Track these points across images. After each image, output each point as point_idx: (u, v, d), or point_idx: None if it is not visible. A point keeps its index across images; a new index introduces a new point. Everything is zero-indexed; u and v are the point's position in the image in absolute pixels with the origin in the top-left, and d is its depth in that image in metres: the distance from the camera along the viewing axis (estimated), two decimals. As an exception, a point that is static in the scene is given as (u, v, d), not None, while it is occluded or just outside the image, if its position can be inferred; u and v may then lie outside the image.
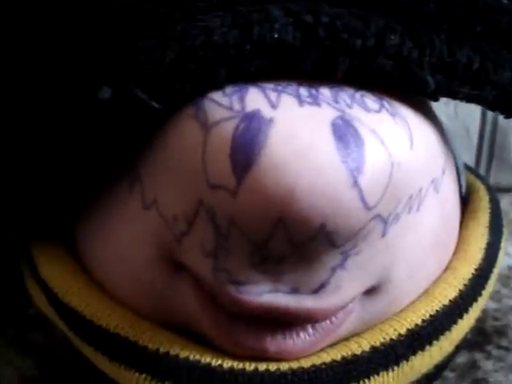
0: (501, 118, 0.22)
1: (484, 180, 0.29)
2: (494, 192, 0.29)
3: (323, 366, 0.20)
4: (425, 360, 0.21)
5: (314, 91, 0.19)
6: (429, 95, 0.20)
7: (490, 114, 0.42)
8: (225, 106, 0.18)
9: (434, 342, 0.21)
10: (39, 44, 0.21)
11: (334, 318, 0.20)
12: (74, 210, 0.23)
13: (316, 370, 0.19)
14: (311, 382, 0.19)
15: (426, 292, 0.22)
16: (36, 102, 0.21)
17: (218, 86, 0.18)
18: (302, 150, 0.17)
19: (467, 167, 0.30)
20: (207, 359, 0.19)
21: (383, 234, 0.19)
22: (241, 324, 0.19)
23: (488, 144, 0.44)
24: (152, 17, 0.19)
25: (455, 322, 0.22)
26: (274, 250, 0.18)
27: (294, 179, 0.17)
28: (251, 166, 0.17)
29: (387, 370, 0.20)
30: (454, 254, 0.24)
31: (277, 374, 0.19)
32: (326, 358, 0.20)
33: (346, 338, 0.21)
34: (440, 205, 0.22)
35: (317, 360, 0.20)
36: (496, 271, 0.25)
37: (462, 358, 0.27)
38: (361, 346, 0.20)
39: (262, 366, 0.19)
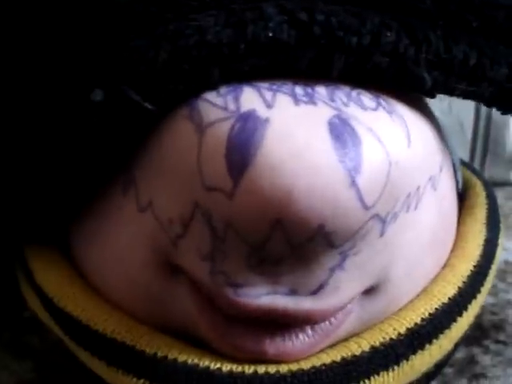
0: (495, 112, 0.22)
1: (480, 176, 0.29)
2: (491, 187, 0.28)
3: (323, 368, 0.19)
4: (425, 359, 0.21)
5: (309, 90, 0.18)
6: (425, 92, 0.20)
7: (483, 108, 0.42)
8: (219, 106, 0.18)
9: (434, 340, 0.21)
10: (31, 46, 0.20)
11: (333, 319, 0.20)
12: (68, 214, 0.23)
13: (316, 371, 0.19)
14: None
15: (424, 290, 0.22)
16: (28, 106, 0.20)
17: (212, 86, 0.18)
18: (298, 150, 0.17)
19: (463, 163, 0.30)
20: (206, 363, 0.19)
21: (381, 234, 0.19)
22: (239, 327, 0.19)
23: (482, 139, 0.44)
24: (144, 16, 0.19)
25: (455, 320, 0.22)
26: (271, 251, 0.18)
27: (290, 180, 0.16)
28: (247, 166, 0.17)
29: (387, 370, 0.20)
30: (452, 251, 0.24)
31: (276, 377, 0.19)
32: (326, 359, 0.20)
33: (346, 339, 0.21)
34: (438, 202, 0.22)
35: (316, 361, 0.20)
36: (494, 267, 0.25)
37: (460, 353, 0.27)
38: (360, 346, 0.20)
39: (261, 369, 0.19)
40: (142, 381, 0.19)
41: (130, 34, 0.18)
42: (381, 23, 0.19)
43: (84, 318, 0.21)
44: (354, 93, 0.19)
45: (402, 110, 0.19)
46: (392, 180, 0.18)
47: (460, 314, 0.22)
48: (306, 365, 0.19)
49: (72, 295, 0.22)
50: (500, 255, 0.26)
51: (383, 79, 0.19)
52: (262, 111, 0.17)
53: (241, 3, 0.18)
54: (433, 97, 0.20)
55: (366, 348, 0.20)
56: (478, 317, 0.25)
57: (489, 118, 0.43)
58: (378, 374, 0.20)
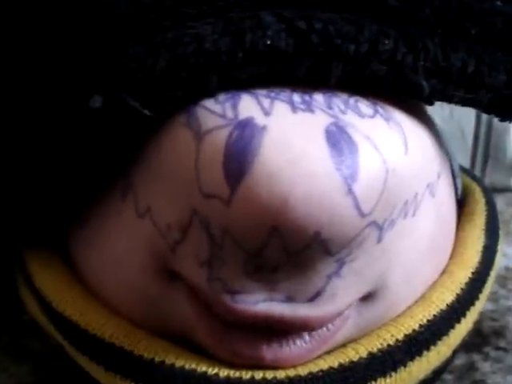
0: (496, 119, 0.22)
1: (480, 182, 0.29)
2: (491, 194, 0.28)
3: (320, 374, 0.19)
4: (422, 365, 0.21)
5: (307, 97, 0.18)
6: (424, 99, 0.20)
7: (484, 115, 0.42)
8: (217, 113, 0.18)
9: (432, 346, 0.21)
10: (31, 52, 0.20)
11: (330, 325, 0.20)
12: (67, 218, 0.23)
13: (313, 377, 0.19)
14: None
15: (423, 296, 0.22)
16: (27, 111, 0.20)
17: (211, 93, 0.18)
18: (295, 158, 0.17)
19: (463, 169, 0.30)
20: (203, 368, 0.19)
21: (379, 241, 0.19)
22: (237, 332, 0.19)
23: (483, 145, 0.44)
24: (143, 24, 0.19)
25: (453, 327, 0.22)
26: (268, 258, 0.18)
27: (287, 187, 0.17)
28: (244, 174, 0.17)
29: (385, 376, 0.20)
30: (451, 257, 0.24)
31: (273, 383, 0.19)
32: (323, 365, 0.20)
33: (343, 345, 0.21)
34: (436, 209, 0.22)
35: (314, 367, 0.20)
36: (493, 274, 0.25)
37: (459, 360, 0.27)
38: (358, 352, 0.20)
39: (259, 375, 0.19)
40: None
41: (129, 42, 0.19)
42: (379, 31, 0.19)
43: (82, 322, 0.21)
44: (352, 100, 0.19)
45: (400, 117, 0.19)
46: (389, 187, 0.18)
47: (458, 321, 0.22)
48: (303, 371, 0.19)
49: (71, 299, 0.22)
50: (499, 262, 0.26)
51: (381, 87, 0.19)
52: (259, 119, 0.17)
53: (239, 11, 0.19)
54: (431, 104, 0.20)
55: (364, 354, 0.20)
56: (477, 323, 0.25)
57: (490, 124, 0.43)
58: (376, 381, 0.20)
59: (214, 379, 0.19)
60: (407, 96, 0.19)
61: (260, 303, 0.18)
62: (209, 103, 0.18)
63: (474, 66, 0.20)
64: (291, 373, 0.19)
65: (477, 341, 0.28)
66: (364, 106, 0.19)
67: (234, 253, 0.18)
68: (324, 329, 0.20)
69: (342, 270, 0.18)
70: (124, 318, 0.21)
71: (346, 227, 0.17)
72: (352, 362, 0.20)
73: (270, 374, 0.19)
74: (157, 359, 0.20)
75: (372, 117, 0.19)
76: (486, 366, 0.27)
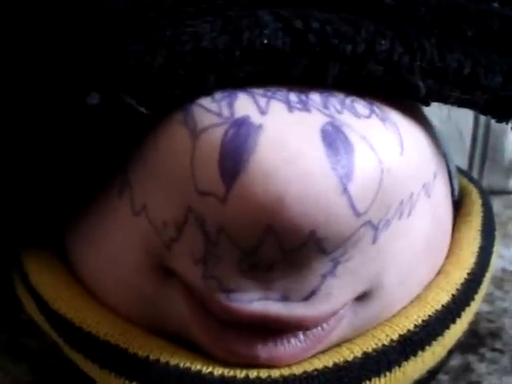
0: (493, 120, 0.22)
1: (477, 183, 0.29)
2: (487, 195, 0.28)
3: (315, 373, 0.19)
4: (417, 365, 0.21)
5: (303, 97, 0.18)
6: (420, 100, 0.20)
7: (482, 116, 0.42)
8: (214, 111, 0.18)
9: (427, 347, 0.21)
10: (29, 49, 0.20)
11: (325, 325, 0.20)
12: (64, 216, 0.23)
13: (307, 376, 0.19)
14: None
15: (418, 297, 0.22)
16: (25, 108, 0.20)
17: (207, 91, 0.18)
18: (291, 157, 0.17)
19: (460, 171, 0.30)
20: (198, 366, 0.19)
21: (374, 241, 0.19)
22: (232, 331, 0.19)
23: (481, 146, 0.44)
24: (141, 22, 0.19)
25: (448, 327, 0.22)
26: (263, 256, 0.18)
27: (283, 186, 0.17)
28: (240, 172, 0.17)
29: (379, 376, 0.20)
30: (447, 257, 0.24)
31: (268, 382, 0.19)
32: (318, 364, 0.20)
33: (338, 344, 0.21)
34: (432, 209, 0.22)
35: (308, 367, 0.20)
36: (489, 275, 0.25)
37: (455, 361, 0.27)
38: (353, 352, 0.20)
39: (253, 373, 0.19)
40: (134, 383, 0.19)
41: (128, 39, 0.19)
42: (375, 31, 0.19)
43: (77, 320, 0.21)
44: (348, 100, 0.19)
45: (396, 117, 0.19)
46: (384, 187, 0.18)
47: (453, 321, 0.22)
48: (297, 370, 0.19)
49: (66, 298, 0.22)
50: (495, 263, 0.26)
51: (378, 87, 0.19)
52: (255, 117, 0.17)
53: (237, 10, 0.19)
54: (427, 105, 0.20)
55: (358, 354, 0.20)
56: (473, 324, 0.25)
57: (488, 126, 0.43)
58: (370, 380, 0.20)
59: (208, 377, 0.19)
60: (404, 96, 0.19)
61: (255, 302, 0.18)
62: (205, 101, 0.18)
63: (470, 67, 0.20)
64: (286, 372, 0.19)
65: (473, 342, 0.28)
66: (360, 106, 0.19)
67: (229, 251, 0.18)
68: (319, 328, 0.20)
69: (337, 269, 0.18)
70: (120, 315, 0.21)
71: (341, 226, 0.17)
72: (347, 361, 0.20)
73: (264, 373, 0.19)
74: (152, 357, 0.20)
75: (368, 117, 0.19)
76: (481, 367, 0.27)
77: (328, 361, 0.20)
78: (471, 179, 0.30)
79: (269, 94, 0.18)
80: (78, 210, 0.22)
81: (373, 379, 0.20)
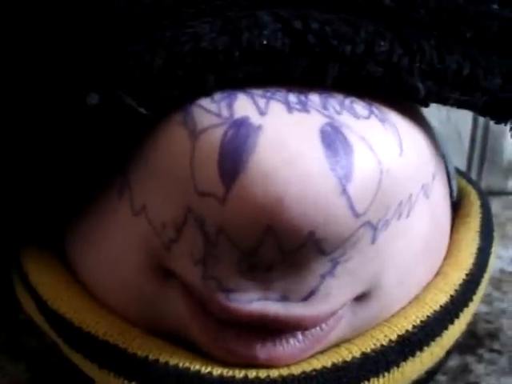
0: (492, 122, 0.22)
1: (475, 185, 0.29)
2: (486, 196, 0.29)
3: (313, 373, 0.19)
4: (415, 366, 0.21)
5: (303, 98, 0.18)
6: (419, 101, 0.20)
7: (481, 118, 0.42)
8: (213, 112, 0.18)
9: (425, 347, 0.21)
10: (28, 49, 0.20)
11: (323, 325, 0.20)
12: (64, 216, 0.23)
13: (306, 376, 0.19)
14: None
15: (416, 298, 0.22)
16: (24, 108, 0.20)
17: (207, 92, 0.18)
18: (290, 158, 0.17)
19: (459, 172, 0.30)
20: (197, 366, 0.19)
21: (373, 241, 0.19)
22: (231, 331, 0.19)
23: (479, 147, 0.44)
24: (141, 22, 0.19)
25: (446, 328, 0.22)
26: (263, 257, 0.18)
27: (282, 187, 0.17)
28: (239, 173, 0.17)
29: (378, 377, 0.20)
30: (445, 258, 0.24)
31: (267, 382, 0.19)
32: (317, 364, 0.20)
33: (337, 345, 0.21)
34: (430, 210, 0.22)
35: (307, 367, 0.20)
36: (487, 276, 0.25)
37: (453, 362, 0.27)
38: (351, 352, 0.20)
39: (252, 374, 0.19)
40: (133, 383, 0.19)
41: (128, 40, 0.19)
42: (375, 32, 0.19)
43: (76, 320, 0.21)
44: (347, 101, 0.19)
45: (395, 118, 0.19)
46: (383, 188, 0.18)
47: (452, 322, 0.22)
48: (296, 370, 0.19)
49: (66, 297, 0.22)
50: (493, 264, 0.26)
51: (377, 88, 0.19)
52: (255, 118, 0.17)
53: (236, 11, 0.19)
54: (426, 106, 0.20)
55: (357, 354, 0.20)
56: (471, 325, 0.25)
57: (486, 127, 0.43)
58: (369, 381, 0.20)
59: (207, 378, 0.19)
60: (403, 97, 0.19)
61: (254, 302, 0.18)
62: (205, 102, 0.18)
63: (470, 68, 0.20)
64: (285, 372, 0.19)
65: (471, 343, 0.28)
66: (359, 106, 0.19)
67: (229, 251, 0.18)
68: (318, 328, 0.20)
69: (336, 269, 0.19)
70: (119, 315, 0.21)
71: (340, 227, 0.17)
72: (345, 361, 0.20)
73: (263, 373, 0.19)
74: (151, 357, 0.20)
75: (367, 118, 0.19)
76: (480, 368, 0.27)
77: (327, 361, 0.20)
78: (470, 180, 0.30)
79: (268, 94, 0.18)
80: (77, 210, 0.22)
81: (371, 379, 0.20)
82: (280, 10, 0.19)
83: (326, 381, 0.19)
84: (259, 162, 0.17)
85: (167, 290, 0.20)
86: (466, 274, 0.24)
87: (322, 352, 0.20)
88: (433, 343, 0.21)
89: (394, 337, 0.21)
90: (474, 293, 0.24)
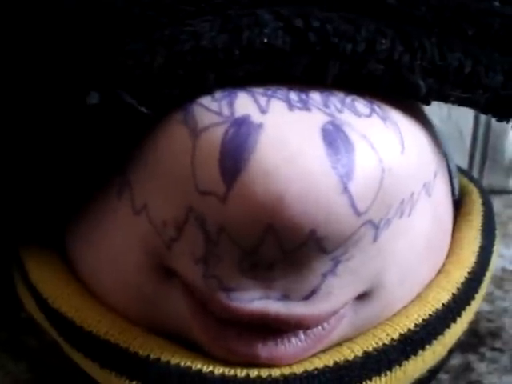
0: (494, 120, 0.22)
1: (477, 183, 0.29)
2: (487, 195, 0.28)
3: (315, 372, 0.19)
4: (418, 364, 0.21)
5: (304, 96, 0.18)
6: (420, 99, 0.20)
7: (483, 116, 0.43)
8: (214, 111, 0.18)
9: (427, 346, 0.21)
10: (28, 48, 0.20)
11: (325, 324, 0.20)
12: (64, 215, 0.23)
13: (308, 375, 0.19)
14: None
15: (418, 296, 0.22)
16: (24, 107, 0.20)
17: (207, 90, 0.18)
18: (291, 156, 0.17)
19: (460, 170, 0.30)
20: (198, 365, 0.19)
21: (374, 240, 0.19)
22: (232, 330, 0.19)
23: (481, 146, 0.44)
24: (140, 21, 0.19)
25: (448, 326, 0.22)
26: (264, 256, 0.18)
27: (283, 185, 0.17)
28: (240, 171, 0.17)
29: (380, 375, 0.20)
30: (447, 257, 0.24)
31: (268, 381, 0.19)
32: (319, 363, 0.20)
33: (339, 344, 0.21)
34: (432, 208, 0.22)
35: (309, 366, 0.20)
36: (489, 274, 0.25)
37: (455, 360, 0.27)
38: (353, 351, 0.20)
39: (254, 373, 0.19)
40: (134, 382, 0.19)
41: (127, 39, 0.19)
42: (376, 30, 0.19)
43: (78, 319, 0.21)
44: (349, 99, 0.19)
45: (397, 116, 0.19)
46: (385, 186, 0.18)
47: (454, 321, 0.22)
48: (298, 369, 0.19)
49: (67, 296, 0.22)
50: (495, 262, 0.26)
51: (378, 86, 0.19)
52: (256, 116, 0.17)
53: (236, 9, 0.19)
54: (428, 104, 0.20)
55: (359, 353, 0.20)
56: (473, 323, 0.25)
57: (488, 125, 0.43)
58: (371, 379, 0.20)
59: (208, 377, 0.19)
60: (404, 95, 0.19)
61: (255, 301, 0.18)
62: (205, 101, 0.18)
63: (471, 66, 0.20)
64: (286, 371, 0.19)
65: (473, 341, 0.28)
66: (361, 105, 0.19)
67: (230, 250, 0.18)
68: (319, 327, 0.20)
69: (338, 268, 0.18)
70: (120, 315, 0.21)
71: (341, 225, 0.17)
72: (347, 360, 0.20)
73: (264, 372, 0.19)
74: (152, 356, 0.20)
75: (368, 116, 0.19)
76: (481, 367, 0.27)
77: (329, 360, 0.20)
78: (471, 178, 0.30)
79: (269, 92, 0.18)
80: (77, 210, 0.22)
81: (373, 378, 0.20)
82: (280, 9, 0.19)
83: (328, 380, 0.19)
84: (260, 161, 0.17)
85: (168, 290, 0.20)
86: (468, 273, 0.23)
87: (323, 351, 0.20)
88: (435, 342, 0.21)
89: (396, 336, 0.21)
90: (476, 291, 0.24)
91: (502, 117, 0.22)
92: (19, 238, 0.25)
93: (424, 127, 0.21)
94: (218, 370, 0.19)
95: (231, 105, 0.18)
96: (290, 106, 0.18)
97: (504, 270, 0.34)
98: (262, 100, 0.18)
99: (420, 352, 0.21)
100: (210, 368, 0.19)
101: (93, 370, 0.21)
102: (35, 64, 0.20)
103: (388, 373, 0.20)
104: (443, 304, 0.22)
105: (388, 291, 0.21)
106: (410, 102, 0.20)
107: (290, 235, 0.17)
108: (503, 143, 0.44)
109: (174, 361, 0.19)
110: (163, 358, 0.19)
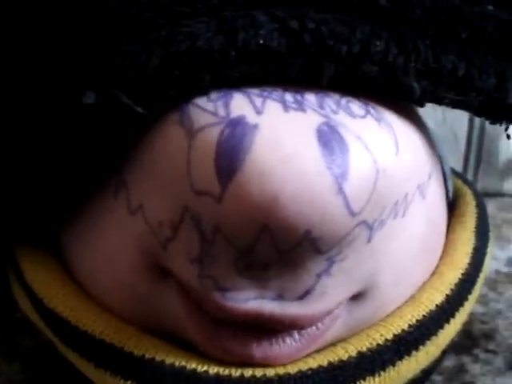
0: (488, 123, 0.22)
1: (471, 185, 0.29)
2: (481, 197, 0.29)
3: (309, 372, 0.20)
4: (411, 365, 0.21)
5: (299, 97, 0.19)
6: (414, 101, 0.20)
7: (477, 119, 0.43)
8: (210, 111, 0.18)
9: (421, 347, 0.21)
10: (24, 48, 0.20)
11: (319, 324, 0.20)
12: (60, 215, 0.23)
13: (302, 375, 0.19)
14: None
15: (412, 297, 0.22)
16: (20, 107, 0.20)
17: (203, 91, 0.18)
18: (286, 156, 0.17)
19: (455, 172, 0.30)
20: (193, 365, 0.19)
21: (368, 240, 0.19)
22: (227, 330, 0.19)
23: (475, 149, 0.44)
24: (136, 22, 0.19)
25: (442, 327, 0.22)
26: (259, 256, 0.18)
27: (278, 185, 0.17)
28: (236, 172, 0.17)
29: (373, 376, 0.20)
30: (441, 258, 0.24)
31: (263, 380, 0.19)
32: (313, 363, 0.20)
33: (333, 344, 0.21)
34: (426, 210, 0.22)
35: (303, 366, 0.20)
36: (482, 276, 0.25)
37: (449, 362, 0.27)
38: (347, 351, 0.20)
39: (248, 372, 0.19)
40: (129, 382, 0.19)
41: (123, 39, 0.19)
42: (371, 32, 0.19)
43: (73, 318, 0.21)
44: (344, 100, 0.19)
45: (391, 117, 0.20)
46: (379, 187, 0.18)
47: (447, 321, 0.22)
48: (292, 369, 0.19)
49: (62, 296, 0.22)
50: (489, 264, 0.26)
51: (372, 88, 0.19)
52: (251, 117, 0.17)
53: (232, 10, 0.19)
54: (421, 106, 0.20)
55: (353, 353, 0.20)
56: (467, 325, 0.25)
57: (482, 128, 0.44)
58: (364, 380, 0.20)
59: (203, 376, 0.19)
60: (398, 97, 0.20)
61: (250, 301, 0.18)
62: (201, 101, 0.18)
63: (465, 68, 0.20)
64: (281, 371, 0.19)
65: (467, 343, 0.28)
66: (355, 106, 0.19)
67: (225, 250, 0.18)
68: (314, 327, 0.20)
69: (332, 268, 0.19)
70: (115, 314, 0.21)
71: (336, 226, 0.17)
72: (341, 360, 0.20)
73: (259, 372, 0.19)
74: (147, 356, 0.20)
75: (363, 117, 0.19)
76: (475, 368, 0.27)
77: (323, 360, 0.20)
78: (465, 181, 0.30)
79: (264, 93, 0.18)
80: (73, 209, 0.22)
81: (367, 378, 0.20)
82: (276, 10, 0.19)
83: (322, 380, 0.20)
84: (255, 161, 0.17)
85: (163, 289, 0.20)
86: (462, 274, 0.24)
87: (318, 351, 0.20)
88: (428, 342, 0.22)
89: (389, 336, 0.21)
90: (470, 292, 0.24)
91: (495, 119, 0.22)
92: (14, 237, 0.25)
93: (418, 129, 0.21)
94: (213, 370, 0.19)
95: (227, 105, 0.18)
96: (286, 107, 0.18)
97: (498, 272, 0.35)
98: (258, 101, 0.18)
99: (413, 352, 0.21)
100: (205, 368, 0.19)
101: (88, 369, 0.21)
102: (32, 64, 0.20)
103: (382, 373, 0.20)
104: (437, 305, 0.22)
105: (382, 292, 0.21)
106: (404, 104, 0.21)
107: (285, 235, 0.17)
108: (497, 146, 0.44)
109: (168, 360, 0.19)
110: (158, 358, 0.20)
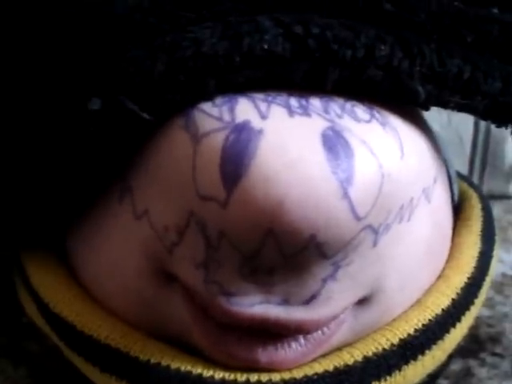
0: (493, 126, 0.22)
1: (477, 188, 0.29)
2: (487, 200, 0.29)
3: (315, 377, 0.19)
4: (417, 369, 0.21)
5: (304, 102, 0.19)
6: (419, 105, 0.20)
7: (482, 122, 0.43)
8: (215, 116, 0.18)
9: (427, 351, 0.21)
10: (30, 55, 0.20)
11: (325, 329, 0.20)
12: (65, 220, 0.23)
13: (308, 380, 0.19)
14: None
15: (418, 301, 0.22)
16: (26, 113, 0.21)
17: (208, 96, 0.18)
18: (291, 161, 0.17)
19: (460, 176, 0.30)
20: (198, 370, 0.19)
21: (374, 245, 0.19)
22: (232, 335, 0.19)
23: (481, 152, 0.44)
24: (142, 27, 0.19)
25: (448, 331, 0.22)
26: (264, 260, 0.18)
27: (283, 190, 0.17)
28: (241, 177, 0.17)
29: (379, 380, 0.20)
30: (447, 262, 0.24)
31: None
32: (319, 368, 0.20)
33: (339, 348, 0.21)
34: (432, 214, 0.22)
35: (309, 370, 0.20)
36: (489, 279, 0.25)
37: (456, 366, 0.27)
38: (353, 356, 0.20)
39: (254, 377, 0.19)
40: None
41: (128, 45, 0.19)
42: (375, 37, 0.19)
43: (79, 323, 0.21)
44: (348, 105, 0.19)
45: (396, 122, 0.20)
46: (384, 192, 0.18)
47: (453, 326, 0.22)
48: (298, 374, 0.19)
49: (67, 300, 0.22)
50: (495, 267, 0.26)
51: (377, 92, 0.19)
52: (256, 122, 0.18)
53: (237, 16, 0.19)
54: (427, 109, 0.20)
55: (359, 358, 0.20)
56: (473, 329, 0.25)
57: (488, 131, 0.44)
58: None
59: (209, 381, 0.19)
60: (403, 101, 0.20)
61: (256, 306, 0.18)
62: (206, 106, 0.18)
63: (470, 72, 0.20)
64: (286, 376, 0.19)
65: (473, 347, 0.28)
66: (360, 110, 0.19)
67: (230, 255, 0.18)
68: (319, 332, 0.20)
69: (338, 273, 0.19)
70: (121, 319, 0.21)
71: (341, 230, 0.17)
72: (347, 365, 0.20)
73: (265, 377, 0.19)
74: (152, 361, 0.20)
75: (368, 121, 0.19)
76: (482, 372, 0.27)
77: (329, 365, 0.20)
78: (471, 184, 0.30)
79: (269, 98, 0.18)
80: (79, 214, 0.22)
81: (373, 383, 0.20)
82: (281, 15, 0.19)
83: None
84: (261, 166, 0.17)
85: (168, 294, 0.20)
86: (468, 278, 0.23)
87: (323, 356, 0.20)
88: (434, 347, 0.21)
89: (395, 340, 0.21)
90: (476, 296, 0.24)
91: (501, 123, 0.22)
92: (21, 242, 0.25)
93: (423, 133, 0.21)
94: (219, 375, 0.19)
95: (232, 110, 0.18)
96: (290, 112, 0.18)
97: (504, 275, 0.35)
98: (263, 106, 0.18)
99: (419, 357, 0.21)
100: (211, 372, 0.19)
101: (93, 374, 0.21)
102: (37, 70, 0.20)
103: (387, 378, 0.20)
104: (443, 309, 0.22)
105: (388, 296, 0.21)
106: (409, 108, 0.21)
107: (290, 240, 0.17)
108: (503, 149, 0.44)
109: (174, 365, 0.19)
110: (163, 363, 0.20)
